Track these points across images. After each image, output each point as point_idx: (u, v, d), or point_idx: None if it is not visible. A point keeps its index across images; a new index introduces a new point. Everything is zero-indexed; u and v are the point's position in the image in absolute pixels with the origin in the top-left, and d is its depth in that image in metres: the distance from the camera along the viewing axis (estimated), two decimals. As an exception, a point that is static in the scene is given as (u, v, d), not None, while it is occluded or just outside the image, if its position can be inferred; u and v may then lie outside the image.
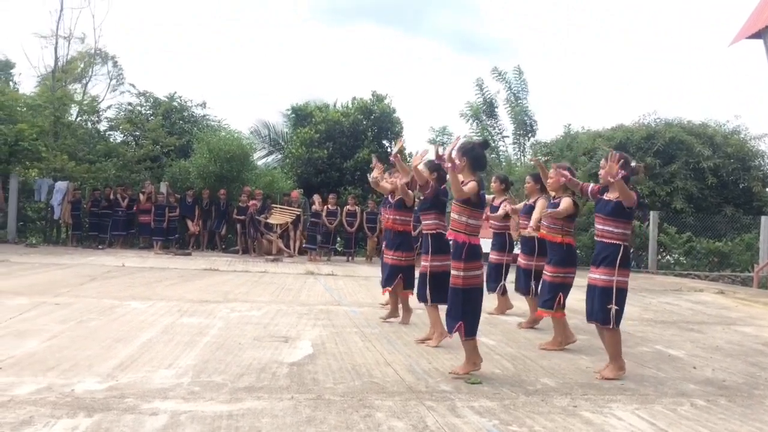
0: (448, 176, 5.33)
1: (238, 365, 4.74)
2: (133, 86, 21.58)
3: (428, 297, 5.73)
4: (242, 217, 15.75)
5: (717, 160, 18.55)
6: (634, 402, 4.33)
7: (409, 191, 6.66)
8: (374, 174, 7.01)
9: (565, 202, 5.91)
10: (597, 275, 4.95)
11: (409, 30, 65.36)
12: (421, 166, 5.65)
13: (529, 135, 18.27)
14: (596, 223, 5.07)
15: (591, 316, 5.04)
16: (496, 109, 18.04)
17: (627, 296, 5.01)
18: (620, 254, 4.88)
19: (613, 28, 61.59)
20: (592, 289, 5.01)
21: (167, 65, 46.38)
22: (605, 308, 4.87)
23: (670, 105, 62.04)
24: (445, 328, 5.00)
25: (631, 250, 18.15)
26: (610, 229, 4.93)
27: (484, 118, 18.13)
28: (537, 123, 18.26)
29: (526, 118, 17.97)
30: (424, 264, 5.79)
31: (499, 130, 18.22)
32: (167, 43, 47.83)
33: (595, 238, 5.11)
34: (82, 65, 20.27)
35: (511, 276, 7.86)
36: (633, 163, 5.06)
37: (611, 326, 4.89)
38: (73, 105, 19.45)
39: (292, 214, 15.83)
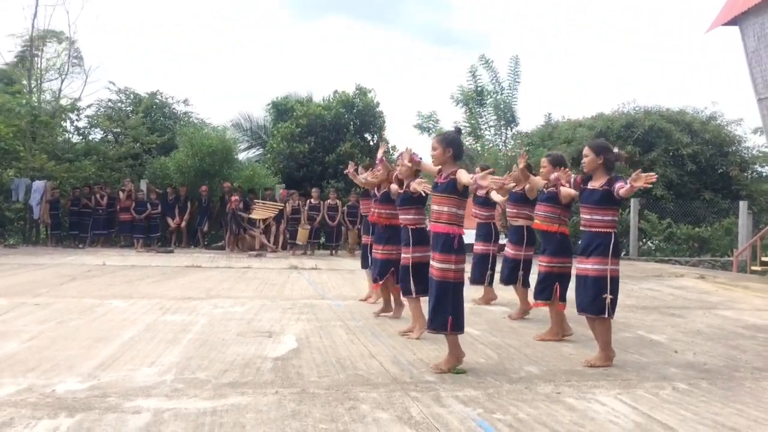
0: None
1: (222, 361, 4.71)
2: (113, 83, 21.33)
3: (412, 290, 5.66)
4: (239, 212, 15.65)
5: (695, 146, 18.77)
6: (617, 387, 4.37)
7: (395, 186, 6.56)
8: (362, 177, 7.17)
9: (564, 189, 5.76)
10: (589, 265, 4.87)
11: (382, 23, 65.33)
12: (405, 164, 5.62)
13: (511, 125, 18.06)
14: (583, 213, 4.99)
15: (583, 307, 4.95)
16: (485, 99, 17.64)
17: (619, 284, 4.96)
18: (612, 243, 4.82)
19: (590, 17, 61.96)
20: (583, 280, 4.92)
21: (148, 64, 46.01)
22: (600, 298, 4.80)
23: (648, 93, 62.64)
24: (432, 323, 4.68)
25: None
26: (599, 218, 4.87)
27: (474, 105, 17.81)
28: (518, 115, 18.03)
29: (507, 110, 17.67)
30: (405, 256, 5.71)
31: (486, 119, 17.90)
32: (148, 42, 47.38)
33: (582, 228, 5.03)
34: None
35: (498, 266, 7.89)
36: (615, 149, 4.99)
37: (606, 316, 4.83)
38: (49, 104, 19.13)
39: (275, 209, 15.76)
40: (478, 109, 17.87)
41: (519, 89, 17.97)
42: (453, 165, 4.71)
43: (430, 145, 4.84)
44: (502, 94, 17.71)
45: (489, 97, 17.72)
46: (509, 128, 18.13)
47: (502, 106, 17.55)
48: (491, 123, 17.88)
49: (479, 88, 17.81)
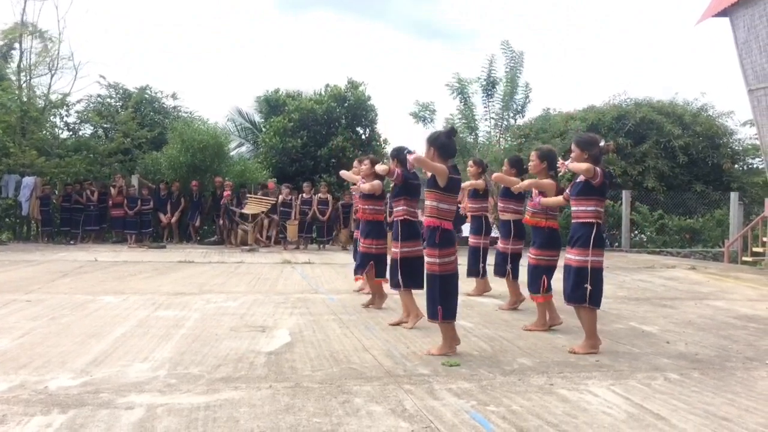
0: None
1: (215, 356, 4.71)
2: (103, 77, 21.18)
3: (400, 283, 5.79)
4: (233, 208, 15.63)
5: (687, 138, 18.85)
6: (609, 378, 4.40)
7: (376, 181, 6.72)
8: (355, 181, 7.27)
9: (550, 189, 5.90)
10: (572, 256, 5.09)
11: (367, 16, 65.19)
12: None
13: (517, 117, 17.44)
14: (572, 206, 5.21)
15: (567, 296, 5.16)
16: (495, 87, 16.97)
17: (603, 275, 5.14)
18: (593, 234, 5.00)
19: (581, 10, 61.97)
20: (567, 270, 5.15)
21: (137, 59, 45.82)
22: (581, 287, 5.00)
23: (639, 84, 62.83)
24: (425, 313, 5.10)
25: (606, 231, 18.42)
26: (582, 208, 5.08)
27: (471, 94, 17.24)
28: (527, 106, 17.28)
29: (524, 95, 16.89)
30: (394, 251, 5.83)
31: (490, 109, 17.31)
32: (137, 38, 47.14)
33: (572, 221, 5.22)
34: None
35: (491, 259, 7.91)
36: (601, 143, 5.18)
37: (586, 305, 5.01)
38: (39, 99, 18.94)
39: (267, 204, 15.72)
40: (483, 100, 17.27)
41: (525, 82, 17.37)
42: (441, 162, 4.87)
43: None
44: (515, 82, 16.94)
45: (503, 84, 16.93)
46: (515, 119, 17.62)
47: (516, 96, 16.91)
48: (493, 115, 17.31)
49: (492, 78, 17.06)
